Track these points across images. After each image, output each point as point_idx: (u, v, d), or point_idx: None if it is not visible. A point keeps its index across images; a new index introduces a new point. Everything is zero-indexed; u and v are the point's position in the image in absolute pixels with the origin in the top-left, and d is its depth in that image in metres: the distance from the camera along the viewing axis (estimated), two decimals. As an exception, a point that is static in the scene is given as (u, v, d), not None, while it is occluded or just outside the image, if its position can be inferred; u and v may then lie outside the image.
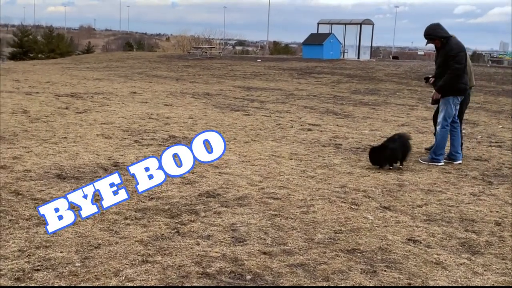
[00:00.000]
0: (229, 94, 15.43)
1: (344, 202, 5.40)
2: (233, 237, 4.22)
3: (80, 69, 23.90)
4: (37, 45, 65.52)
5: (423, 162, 7.46)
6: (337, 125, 10.56)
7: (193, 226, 4.37)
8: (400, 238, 4.51)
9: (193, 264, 3.62)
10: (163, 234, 4.16)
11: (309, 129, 9.89)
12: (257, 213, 4.85)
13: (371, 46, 38.24)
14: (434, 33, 7.27)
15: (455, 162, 7.56)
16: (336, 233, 4.52)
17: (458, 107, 7.54)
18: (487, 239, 4.61)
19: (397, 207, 5.36)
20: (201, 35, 62.20)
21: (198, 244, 4.00)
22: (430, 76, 7.70)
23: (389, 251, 4.19)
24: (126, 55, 38.15)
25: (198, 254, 3.81)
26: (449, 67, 7.19)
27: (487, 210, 5.43)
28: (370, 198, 5.60)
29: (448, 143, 7.62)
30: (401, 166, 7.05)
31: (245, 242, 4.11)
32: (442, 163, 7.43)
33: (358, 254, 4.06)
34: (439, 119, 7.48)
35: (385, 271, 3.79)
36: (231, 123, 9.99)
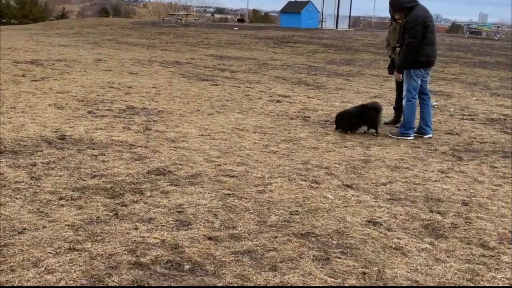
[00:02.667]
0: (200, 63, 14.92)
1: (305, 180, 5.07)
2: (177, 220, 3.86)
3: (49, 35, 23.03)
4: (9, 10, 63.44)
5: (392, 136, 7.17)
6: (308, 97, 10.20)
7: (134, 208, 4.00)
8: (360, 219, 4.20)
9: (126, 252, 3.26)
10: (98, 217, 3.78)
11: (278, 101, 9.51)
12: (209, 193, 4.49)
13: (350, 16, 37.70)
14: (396, 4, 6.91)
15: (425, 136, 7.28)
16: (291, 214, 4.19)
17: (426, 78, 7.22)
18: (452, 220, 4.34)
19: (360, 185, 5.05)
20: (178, 2, 60.71)
21: (136, 228, 3.63)
22: (397, 45, 7.32)
23: (346, 234, 3.88)
24: (98, 21, 37.02)
25: (134, 240, 3.45)
26: (405, 40, 6.89)
27: (454, 189, 5.15)
28: (333, 176, 5.28)
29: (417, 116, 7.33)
30: (375, 134, 7.07)
31: (190, 226, 3.76)
32: (412, 137, 7.14)
33: (312, 239, 3.75)
34: (404, 92, 7.17)
35: (339, 257, 3.48)
36: (197, 94, 9.56)
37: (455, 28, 60.28)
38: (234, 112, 8.20)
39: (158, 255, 3.25)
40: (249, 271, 3.19)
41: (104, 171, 4.83)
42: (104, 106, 7.72)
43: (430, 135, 7.29)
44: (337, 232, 3.90)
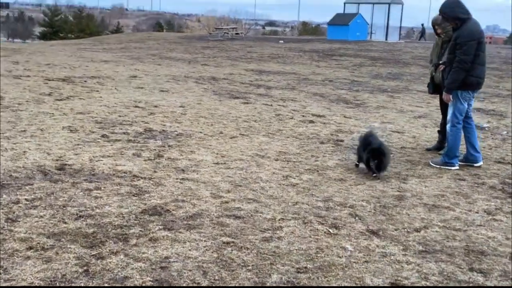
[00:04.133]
0: (237, 78, 14.41)
1: (322, 224, 4.36)
2: (156, 280, 3.24)
3: (95, 50, 23.16)
4: (67, 25, 65.51)
5: (434, 165, 6.33)
6: (345, 116, 9.46)
7: (110, 262, 3.41)
8: (382, 281, 3.46)
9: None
10: (64, 275, 3.21)
11: (311, 121, 8.82)
12: (205, 241, 3.86)
13: (400, 27, 36.48)
14: (448, 12, 6.08)
15: (475, 165, 6.42)
16: (298, 272, 3.50)
17: (472, 101, 6.37)
18: (496, 283, 3.52)
19: (388, 232, 4.29)
20: (227, 15, 60.96)
21: (102, 292, 3.03)
22: (441, 62, 6.47)
23: (361, 304, 3.15)
24: (147, 35, 37.39)
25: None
26: (455, 57, 6.04)
27: (502, 237, 4.32)
28: (357, 218, 4.55)
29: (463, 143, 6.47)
30: (374, 175, 5.78)
31: (168, 289, 3.12)
32: (457, 167, 6.29)
33: (317, 310, 3.04)
34: (449, 116, 6.32)
35: None
36: (224, 113, 8.99)
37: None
38: (260, 134, 7.57)
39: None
40: None
41: (93, 210, 4.28)
42: (121, 129, 7.24)
43: (481, 163, 6.42)
44: (350, 300, 3.18)
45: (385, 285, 3.41)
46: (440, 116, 7.32)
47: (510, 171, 6.33)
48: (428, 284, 3.46)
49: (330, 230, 4.24)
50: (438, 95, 7.09)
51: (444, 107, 7.07)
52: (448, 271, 3.66)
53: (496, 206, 5.05)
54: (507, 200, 5.25)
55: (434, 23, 6.74)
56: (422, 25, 42.85)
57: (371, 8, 34.11)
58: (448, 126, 6.32)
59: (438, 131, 7.23)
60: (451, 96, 6.22)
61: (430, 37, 42.97)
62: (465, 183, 5.76)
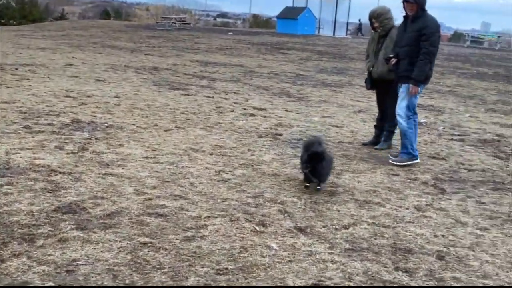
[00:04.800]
0: (181, 69, 14.06)
1: (250, 221, 4.18)
2: (59, 285, 2.96)
3: (33, 37, 22.20)
4: (9, 10, 62.90)
5: (398, 164, 6.17)
6: (286, 110, 9.33)
7: (10, 265, 3.11)
8: (304, 282, 3.31)
9: None
10: (-47, 282, 2.89)
11: (251, 114, 8.64)
12: (120, 241, 3.60)
13: (347, 23, 36.87)
14: None
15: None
16: (218, 274, 3.30)
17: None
18: (421, 284, 3.44)
19: (316, 229, 4.16)
20: (176, 5, 60.06)
21: (-6, 301, 2.74)
22: (391, 56, 6.32)
23: (280, 307, 2.98)
24: (92, 23, 36.26)
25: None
26: (421, 49, 5.91)
27: (430, 234, 4.27)
28: (286, 215, 4.39)
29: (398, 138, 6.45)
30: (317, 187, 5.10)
31: (70, 296, 2.86)
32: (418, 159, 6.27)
33: (231, 316, 2.84)
34: (402, 110, 6.18)
35: None
36: (162, 105, 8.68)
37: (456, 36, 59.46)
38: (197, 127, 7.32)
39: None
40: None
41: (0, 208, 3.94)
42: (46, 120, 6.84)
43: (417, 161, 6.38)
44: (268, 304, 3.01)
45: (307, 285, 3.25)
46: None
47: (443, 167, 6.35)
48: (351, 284, 3.34)
49: (257, 228, 4.06)
50: (376, 91, 7.04)
51: (381, 102, 7.03)
52: (373, 270, 3.56)
53: (426, 202, 5.02)
54: (438, 196, 5.23)
55: (372, 17, 6.65)
56: (359, 20, 43.39)
57: (319, 2, 34.27)
58: (402, 120, 6.18)
59: (375, 126, 7.20)
60: (408, 90, 6.08)
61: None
62: (398, 178, 5.72)
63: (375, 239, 4.07)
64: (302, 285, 3.26)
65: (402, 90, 6.18)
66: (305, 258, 3.64)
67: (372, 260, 3.70)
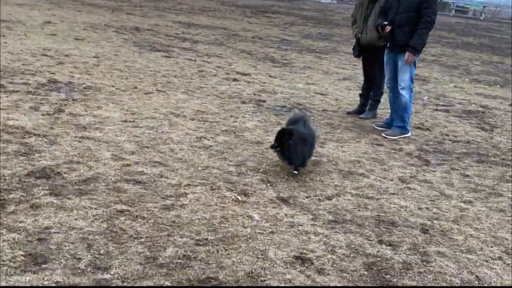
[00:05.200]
0: (162, 30, 13.68)
1: (231, 190, 4.06)
2: (30, 254, 2.83)
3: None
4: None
5: (390, 137, 6.03)
6: (270, 76, 9.13)
7: (-22, 233, 2.95)
8: (286, 254, 3.22)
9: None
10: None
11: (234, 79, 8.43)
12: (96, 208, 3.46)
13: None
14: None
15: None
16: (197, 245, 3.19)
17: None
18: (405, 258, 3.38)
19: (299, 199, 4.06)
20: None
21: (-41, 271, 2.59)
22: (385, 23, 5.98)
23: (261, 281, 2.89)
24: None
25: None
26: (423, 16, 5.70)
27: (414, 207, 4.20)
28: (269, 184, 4.28)
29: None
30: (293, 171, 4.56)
31: (42, 266, 2.73)
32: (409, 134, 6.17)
33: (211, 289, 2.74)
34: (406, 83, 5.94)
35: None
36: (142, 67, 8.42)
37: (442, 5, 59.10)
38: (178, 91, 7.11)
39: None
40: None
41: (-30, 171, 3.76)
42: (22, 79, 6.57)
43: (409, 134, 6.26)
44: (249, 277, 2.92)
45: (289, 258, 3.17)
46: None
47: (427, 137, 6.27)
48: (334, 257, 3.26)
49: (239, 198, 3.95)
50: (363, 58, 6.88)
51: (368, 70, 6.88)
52: (356, 243, 3.48)
53: (411, 174, 4.95)
54: (423, 168, 5.16)
55: None
56: None
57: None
58: (406, 94, 5.99)
59: (360, 94, 7.07)
60: (415, 58, 5.90)
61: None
62: (383, 149, 5.63)
63: (359, 210, 3.99)
64: (284, 257, 3.17)
65: (402, 62, 5.95)
66: (287, 230, 3.54)
67: (356, 233, 3.62)
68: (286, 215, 3.76)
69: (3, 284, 2.53)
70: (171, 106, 6.29)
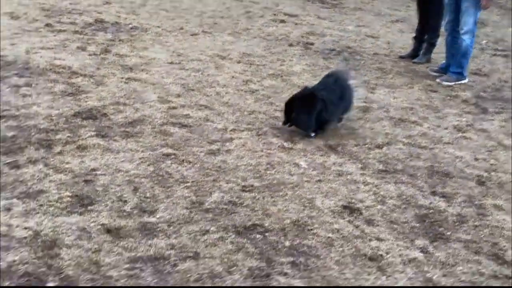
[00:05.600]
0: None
1: (277, 137, 3.96)
2: (76, 196, 2.83)
3: None
4: None
5: (445, 83, 5.73)
6: (319, 17, 8.78)
7: (26, 172, 2.98)
8: (334, 203, 3.12)
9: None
10: (-33, 188, 2.76)
11: (282, 21, 8.15)
12: (142, 151, 3.43)
13: None
14: None
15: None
16: (243, 191, 3.13)
17: None
18: (459, 211, 3.24)
19: (348, 148, 3.92)
20: None
21: (8, 209, 2.62)
22: None
23: (308, 230, 2.82)
24: None
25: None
26: None
27: (470, 157, 4.00)
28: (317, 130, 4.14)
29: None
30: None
31: (88, 208, 2.74)
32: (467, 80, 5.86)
33: (256, 237, 2.70)
34: (469, 26, 5.57)
35: (284, 273, 2.44)
36: (190, 7, 8.23)
37: None
38: (225, 32, 6.93)
39: (14, 262, 2.25)
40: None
41: (17, 110, 3.78)
42: (69, 19, 6.53)
43: (466, 80, 5.93)
44: (296, 226, 2.84)
45: (337, 208, 3.07)
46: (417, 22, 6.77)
47: (485, 84, 5.94)
48: (383, 208, 3.14)
49: (285, 144, 3.84)
50: (418, -1, 6.49)
51: (424, 12, 6.50)
52: (407, 194, 3.34)
53: (467, 122, 4.71)
54: (479, 116, 4.90)
55: None
56: None
57: None
58: (468, 38, 5.66)
59: (414, 37, 6.71)
60: (474, 3, 5.53)
61: None
62: (437, 95, 5.37)
63: (411, 160, 3.83)
64: (331, 206, 3.07)
65: (467, 4, 5.57)
66: (335, 178, 3.43)
67: (407, 183, 3.48)
68: (334, 163, 3.64)
69: (50, 224, 2.54)
70: (217, 48, 6.15)
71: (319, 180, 3.37)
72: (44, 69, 4.67)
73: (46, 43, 5.44)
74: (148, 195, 2.93)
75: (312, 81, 5.30)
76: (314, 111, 3.95)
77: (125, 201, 2.83)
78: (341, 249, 2.69)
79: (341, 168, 3.58)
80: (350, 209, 3.08)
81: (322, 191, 3.25)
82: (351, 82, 4.35)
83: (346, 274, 2.51)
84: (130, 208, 2.77)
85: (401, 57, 6.61)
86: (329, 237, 2.78)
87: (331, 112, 4.08)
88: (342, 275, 2.49)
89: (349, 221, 2.95)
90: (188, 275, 2.33)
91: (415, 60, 6.48)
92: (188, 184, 3.10)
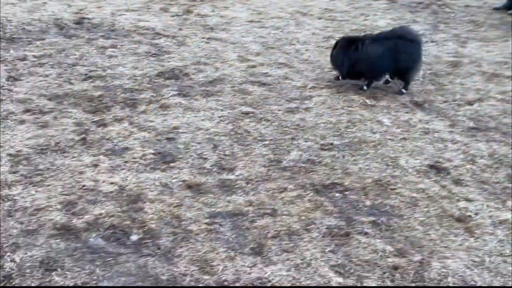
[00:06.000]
0: None
1: (359, 93, 3.82)
2: (159, 153, 2.90)
3: None
4: None
5: None
6: (406, -31, 8.31)
7: (112, 130, 3.08)
8: (419, 163, 2.99)
9: (59, 207, 2.38)
10: (58, 144, 2.91)
11: (366, -26, 7.79)
12: (221, 110, 3.44)
13: None
14: None
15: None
16: (322, 149, 3.07)
17: None
18: (557, 172, 2.98)
19: (435, 104, 3.72)
20: None
21: (95, 165, 2.73)
22: None
23: (390, 189, 2.72)
24: None
25: (82, 186, 2.56)
26: None
27: None
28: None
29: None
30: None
31: (170, 165, 2.79)
32: None
33: (335, 195, 2.64)
34: None
35: (364, 233, 2.38)
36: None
37: None
38: (307, -12, 6.74)
39: (100, 215, 2.34)
40: (219, 253, 2.21)
41: (104, 70, 3.90)
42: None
43: None
44: (377, 185, 2.75)
45: (423, 167, 2.94)
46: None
47: None
48: (473, 167, 2.96)
49: (367, 101, 3.71)
50: None
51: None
52: (500, 153, 3.13)
53: None
54: None
55: None
56: None
57: None
58: None
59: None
60: None
61: None
62: (536, 49, 4.95)
63: (505, 117, 3.58)
64: (416, 165, 2.94)
65: None
66: (421, 136, 3.28)
67: (500, 142, 3.26)
68: (420, 120, 3.47)
69: (134, 180, 2.62)
70: (298, 5, 6.01)
71: (404, 138, 3.23)
72: (128, 31, 4.78)
73: (130, 5, 5.55)
74: (227, 152, 2.94)
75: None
76: (347, 54, 3.73)
77: (205, 158, 2.86)
78: (426, 209, 2.57)
79: (428, 125, 3.41)
80: (436, 169, 2.93)
81: (407, 149, 3.11)
82: (418, 46, 3.83)
83: (431, 235, 2.40)
84: (210, 165, 2.80)
85: (496, 9, 6.16)
86: (413, 197, 2.66)
87: (372, 65, 3.77)
88: (426, 236, 2.39)
89: (435, 181, 2.81)
90: (266, 231, 2.32)
91: (510, 11, 6.02)
92: (266, 142, 3.08)
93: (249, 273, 2.07)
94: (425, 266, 2.20)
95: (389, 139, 3.22)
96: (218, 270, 2.08)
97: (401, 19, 5.65)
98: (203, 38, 4.74)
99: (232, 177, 2.71)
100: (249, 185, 2.66)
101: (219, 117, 3.34)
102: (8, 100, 3.32)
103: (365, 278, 2.11)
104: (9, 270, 1.98)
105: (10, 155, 2.73)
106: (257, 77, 3.98)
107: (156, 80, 3.81)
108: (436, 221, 2.48)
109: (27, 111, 3.21)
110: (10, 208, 2.33)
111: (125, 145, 2.93)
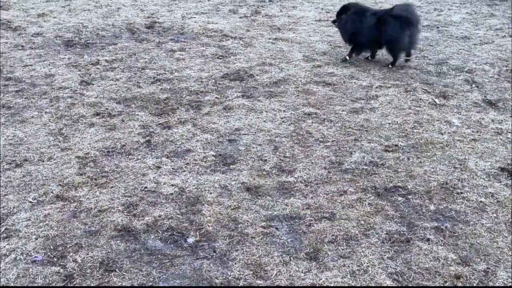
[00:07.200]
0: None
1: (428, 92, 3.69)
2: (220, 155, 2.93)
3: None
4: None
5: None
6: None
7: (176, 132, 3.15)
8: (489, 166, 2.84)
9: (121, 208, 2.47)
10: (124, 146, 3.01)
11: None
12: (284, 111, 3.43)
13: None
14: None
15: None
16: (386, 151, 2.98)
17: None
18: None
19: (510, 103, 3.52)
20: None
21: (158, 167, 2.80)
22: None
23: (457, 193, 2.60)
24: None
25: (144, 187, 2.63)
26: None
27: None
28: (474, 85, 3.79)
29: None
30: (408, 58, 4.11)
31: (230, 167, 2.81)
32: None
33: (398, 199, 2.55)
34: None
35: (425, 241, 2.28)
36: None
37: None
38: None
39: (160, 217, 2.40)
40: (274, 257, 2.20)
41: (171, 73, 4.00)
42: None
43: None
44: (443, 188, 2.64)
45: (493, 170, 2.78)
46: None
47: None
48: (551, 172, 2.77)
49: (436, 100, 3.57)
50: None
51: None
52: None
53: None
54: None
55: None
56: None
57: None
58: None
59: None
60: None
61: None
62: None
63: None
64: (486, 169, 2.79)
65: None
66: (493, 137, 3.11)
67: None
68: (492, 120, 3.30)
69: (192, 181, 2.66)
70: (368, 2, 5.88)
71: (474, 139, 3.08)
72: (197, 33, 4.88)
73: (201, 8, 5.66)
74: (287, 154, 2.93)
75: (472, 31, 4.85)
76: (349, 21, 4.06)
77: (265, 160, 2.86)
78: (494, 215, 2.44)
79: (501, 126, 3.23)
80: (508, 172, 2.77)
81: (477, 151, 2.96)
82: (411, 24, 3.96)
83: (498, 242, 2.27)
84: (270, 167, 2.80)
85: None
86: (481, 201, 2.53)
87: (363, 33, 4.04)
88: (493, 244, 2.26)
89: (506, 185, 2.66)
90: (323, 236, 2.29)
91: None
92: (328, 144, 3.04)
93: (303, 279, 2.05)
94: (490, 275, 2.08)
95: (458, 140, 3.08)
96: (271, 275, 2.07)
97: (477, 13, 5.40)
98: (270, 38, 4.76)
99: (291, 179, 2.70)
100: (308, 188, 2.63)
101: (281, 118, 3.33)
102: (80, 104, 3.48)
103: (425, 287, 2.03)
104: (71, 270, 2.07)
105: (78, 157, 2.86)
106: (322, 77, 3.94)
107: (221, 82, 3.86)
108: (504, 227, 2.35)
109: (96, 114, 3.35)
110: (75, 209, 2.43)
111: (187, 147, 2.99)
